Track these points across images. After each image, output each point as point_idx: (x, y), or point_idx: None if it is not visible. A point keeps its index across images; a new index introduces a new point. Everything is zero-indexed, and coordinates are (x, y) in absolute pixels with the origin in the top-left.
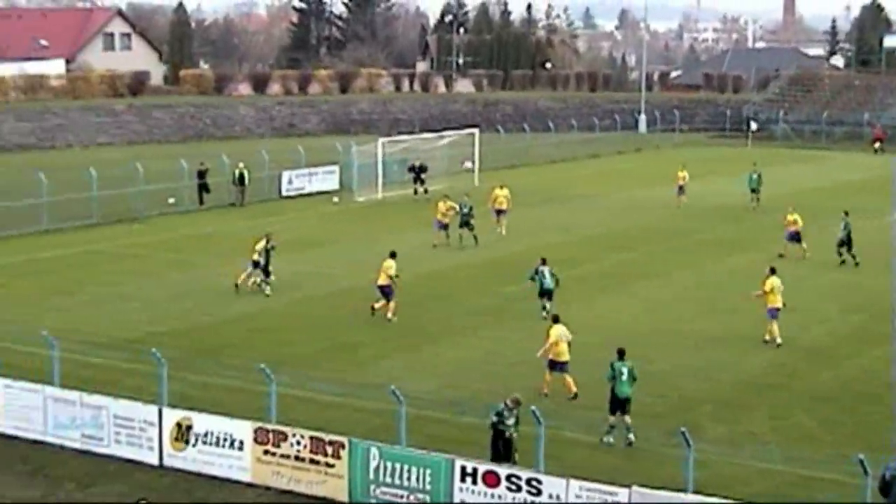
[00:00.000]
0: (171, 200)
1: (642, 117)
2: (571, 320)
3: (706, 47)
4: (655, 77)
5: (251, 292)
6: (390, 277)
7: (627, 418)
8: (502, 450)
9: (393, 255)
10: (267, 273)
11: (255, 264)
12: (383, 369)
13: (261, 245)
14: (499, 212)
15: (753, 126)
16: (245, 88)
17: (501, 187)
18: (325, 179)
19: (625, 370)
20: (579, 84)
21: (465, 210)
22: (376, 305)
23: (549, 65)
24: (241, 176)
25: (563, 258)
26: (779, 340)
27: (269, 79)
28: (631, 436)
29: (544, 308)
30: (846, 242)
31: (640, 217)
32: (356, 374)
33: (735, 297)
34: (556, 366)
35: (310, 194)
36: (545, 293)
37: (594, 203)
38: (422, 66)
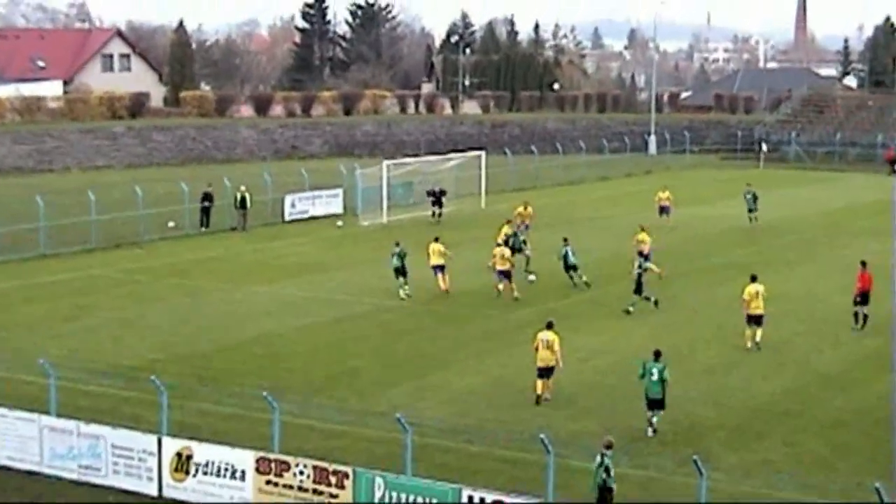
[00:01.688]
0: (171, 224)
1: (652, 139)
2: (580, 345)
3: (717, 67)
4: (665, 98)
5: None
6: (509, 261)
7: (655, 418)
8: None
9: (505, 243)
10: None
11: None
12: (388, 396)
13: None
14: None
15: (765, 147)
16: (247, 110)
17: (525, 207)
18: (329, 203)
19: (655, 371)
20: (588, 105)
21: (520, 240)
22: (500, 287)
23: (556, 86)
24: (243, 199)
25: (568, 283)
26: (757, 340)
27: (271, 100)
28: (650, 430)
29: (572, 280)
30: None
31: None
32: (361, 402)
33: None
34: (540, 372)
35: (313, 218)
36: (570, 268)
37: (602, 226)
38: (427, 88)
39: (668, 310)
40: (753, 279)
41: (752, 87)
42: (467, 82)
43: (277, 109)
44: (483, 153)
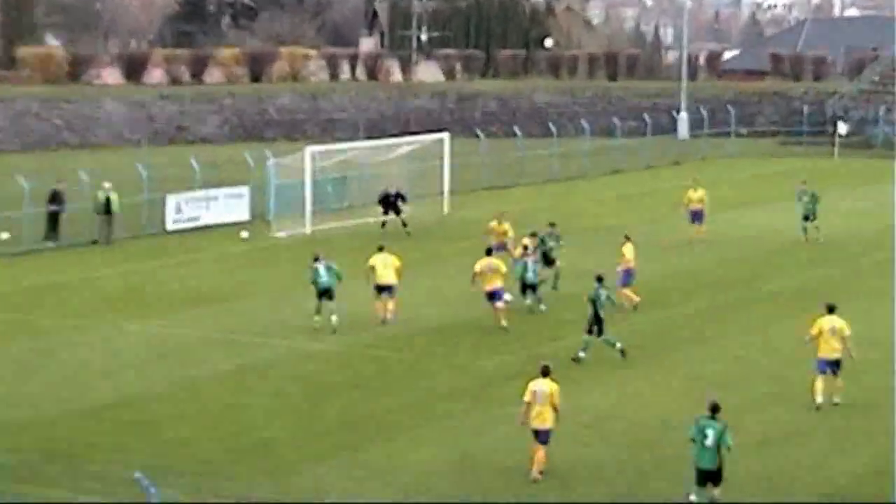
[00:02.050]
0: (4, 236)
1: (683, 116)
2: (582, 405)
3: (773, 17)
4: (702, 59)
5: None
6: (501, 275)
7: (716, 491)
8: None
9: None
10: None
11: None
12: (313, 477)
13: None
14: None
15: (842, 128)
16: (113, 75)
17: (499, 221)
18: (230, 206)
19: (711, 432)
20: (593, 70)
21: (551, 245)
22: (501, 316)
23: (549, 42)
24: (108, 202)
25: (572, 318)
26: (836, 399)
27: (147, 61)
28: None
29: (602, 338)
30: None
31: (678, 259)
32: (274, 485)
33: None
34: (536, 433)
35: (207, 227)
36: (598, 322)
37: (612, 240)
38: (368, 45)
39: (703, 356)
40: (830, 310)
41: (823, 43)
42: (424, 37)
43: (156, 74)
44: (446, 136)
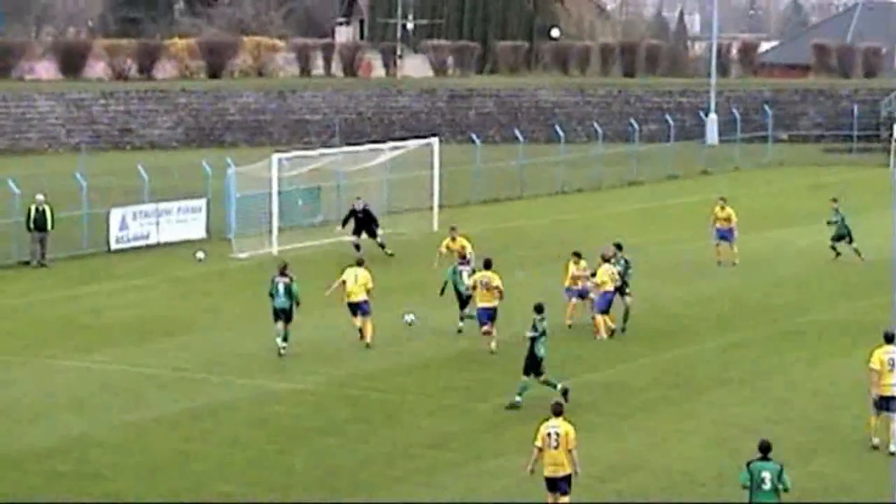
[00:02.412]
0: None
1: (712, 118)
2: (595, 456)
3: (819, 2)
4: (734, 52)
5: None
6: (496, 290)
7: None
8: None
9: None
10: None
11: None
12: None
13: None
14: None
15: None
16: (47, 69)
17: (453, 238)
18: (184, 222)
19: (767, 475)
20: (607, 64)
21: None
22: (490, 341)
23: (556, 32)
24: (42, 216)
25: (590, 353)
26: (893, 447)
27: (87, 53)
28: None
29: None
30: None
31: (706, 284)
32: None
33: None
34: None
35: (157, 246)
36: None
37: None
38: (345, 34)
39: (735, 399)
40: (889, 339)
41: (876, 33)
42: (410, 26)
43: (98, 68)
44: (436, 141)
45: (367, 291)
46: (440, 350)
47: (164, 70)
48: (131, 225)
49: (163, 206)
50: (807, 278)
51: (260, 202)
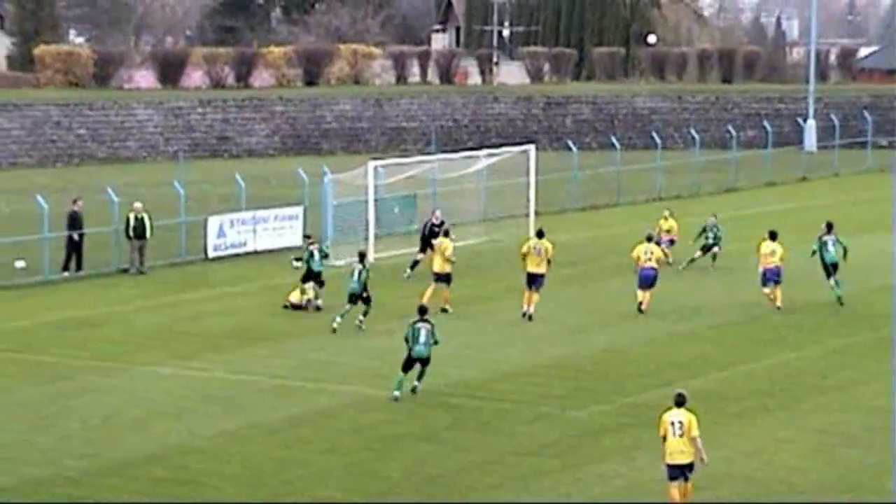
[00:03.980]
0: (21, 264)
1: (810, 124)
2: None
3: None
4: (833, 57)
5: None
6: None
7: None
8: None
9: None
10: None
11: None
12: None
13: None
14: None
15: None
16: (146, 77)
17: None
18: (281, 230)
19: None
20: (704, 70)
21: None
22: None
23: (653, 38)
24: (140, 224)
25: (685, 359)
26: None
27: (186, 61)
28: None
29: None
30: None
31: (807, 291)
32: None
33: None
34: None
35: (255, 253)
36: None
37: (726, 274)
38: (441, 41)
39: (835, 406)
40: None
41: None
42: (506, 33)
43: (195, 77)
44: (533, 148)
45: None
46: (537, 357)
47: (261, 78)
48: (228, 233)
49: (260, 213)
50: None
51: (356, 210)
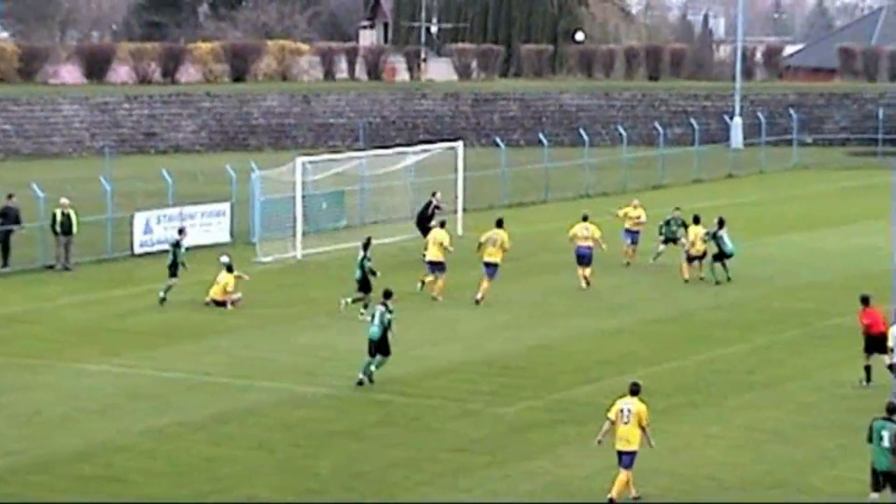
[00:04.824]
0: None
1: (737, 122)
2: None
3: (844, 5)
4: (759, 55)
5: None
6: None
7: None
8: None
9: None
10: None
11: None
12: None
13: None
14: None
15: None
16: (72, 73)
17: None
18: (208, 226)
19: (885, 434)
20: (632, 67)
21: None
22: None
23: (580, 35)
24: (66, 220)
25: (614, 356)
26: None
27: (111, 57)
28: None
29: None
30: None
31: (731, 289)
32: None
33: None
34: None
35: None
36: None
37: (655, 267)
38: (369, 38)
39: (761, 403)
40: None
41: None
42: (434, 29)
43: (122, 72)
44: (461, 145)
45: (443, 250)
46: (465, 355)
47: (189, 74)
48: (155, 229)
49: (187, 210)
50: (832, 282)
51: (284, 206)
